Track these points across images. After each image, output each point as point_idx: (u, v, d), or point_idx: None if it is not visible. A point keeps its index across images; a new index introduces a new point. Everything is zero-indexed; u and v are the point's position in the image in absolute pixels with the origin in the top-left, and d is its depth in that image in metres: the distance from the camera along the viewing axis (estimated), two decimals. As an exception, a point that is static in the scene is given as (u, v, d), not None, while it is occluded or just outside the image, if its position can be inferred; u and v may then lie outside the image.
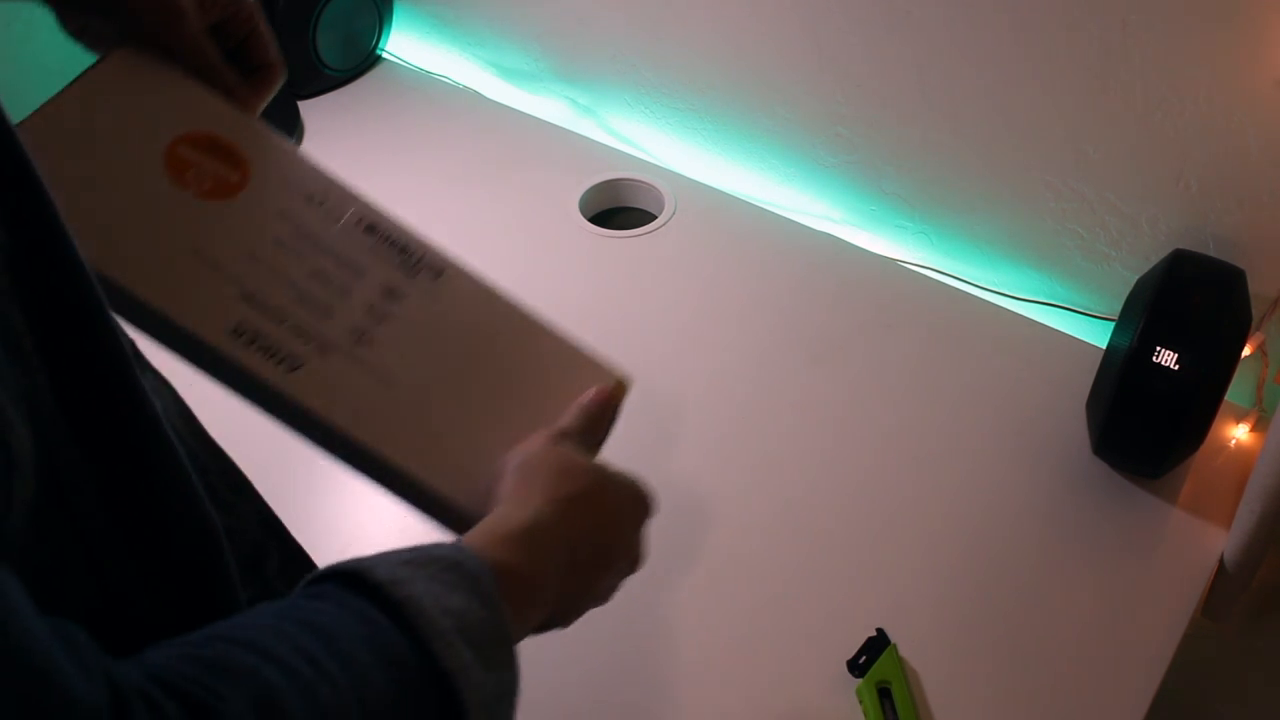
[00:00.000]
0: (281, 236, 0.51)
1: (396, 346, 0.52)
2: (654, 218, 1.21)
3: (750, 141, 1.24)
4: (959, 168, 1.09)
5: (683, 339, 1.06)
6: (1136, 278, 0.94)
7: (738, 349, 1.07)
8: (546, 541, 0.45)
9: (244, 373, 0.48)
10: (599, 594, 0.51)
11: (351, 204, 0.54)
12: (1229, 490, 0.92)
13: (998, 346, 1.06)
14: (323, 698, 0.32)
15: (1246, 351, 0.92)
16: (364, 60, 1.43)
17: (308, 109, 1.35)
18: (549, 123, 1.36)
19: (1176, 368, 0.82)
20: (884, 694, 0.77)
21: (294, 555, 0.56)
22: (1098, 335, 1.06)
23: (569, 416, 0.54)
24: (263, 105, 0.55)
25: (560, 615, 0.48)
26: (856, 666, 0.79)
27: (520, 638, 0.42)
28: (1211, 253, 0.94)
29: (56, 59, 1.22)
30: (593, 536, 0.48)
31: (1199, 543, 0.88)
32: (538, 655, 0.80)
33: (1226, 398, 0.87)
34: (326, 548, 0.55)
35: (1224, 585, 0.89)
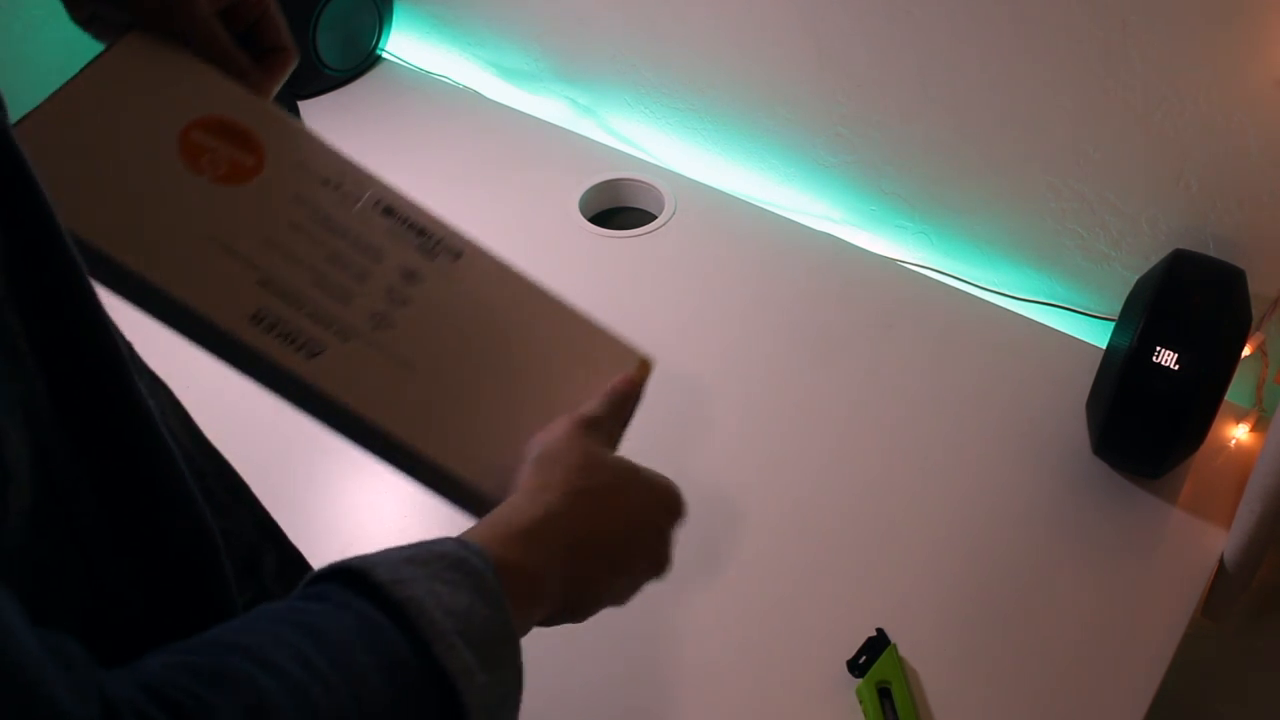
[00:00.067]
0: (298, 220, 0.50)
1: (417, 330, 0.51)
2: (654, 218, 1.21)
3: (750, 141, 1.24)
4: (959, 168, 1.09)
5: (682, 339, 1.06)
6: (1136, 278, 0.94)
7: (737, 349, 1.07)
8: (555, 538, 0.45)
9: (264, 360, 0.48)
10: (615, 594, 0.50)
11: (368, 186, 0.54)
12: (1229, 490, 0.92)
13: (998, 347, 1.06)
14: (319, 705, 0.32)
15: (1246, 351, 0.92)
16: (364, 60, 1.43)
17: (308, 109, 1.35)
18: (549, 123, 1.36)
19: (1176, 368, 0.82)
20: (884, 694, 0.77)
21: (290, 558, 0.56)
22: (1098, 335, 1.06)
23: (595, 403, 0.53)
24: (276, 88, 0.55)
25: (569, 612, 0.47)
26: (856, 666, 0.79)
27: (524, 633, 0.42)
28: (1211, 253, 0.94)
29: (57, 58, 1.22)
30: (607, 534, 0.48)
31: (1199, 543, 0.88)
32: (537, 652, 0.80)
33: (1226, 398, 0.87)
34: (324, 550, 0.55)
35: (1224, 585, 0.89)
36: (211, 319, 0.47)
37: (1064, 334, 1.08)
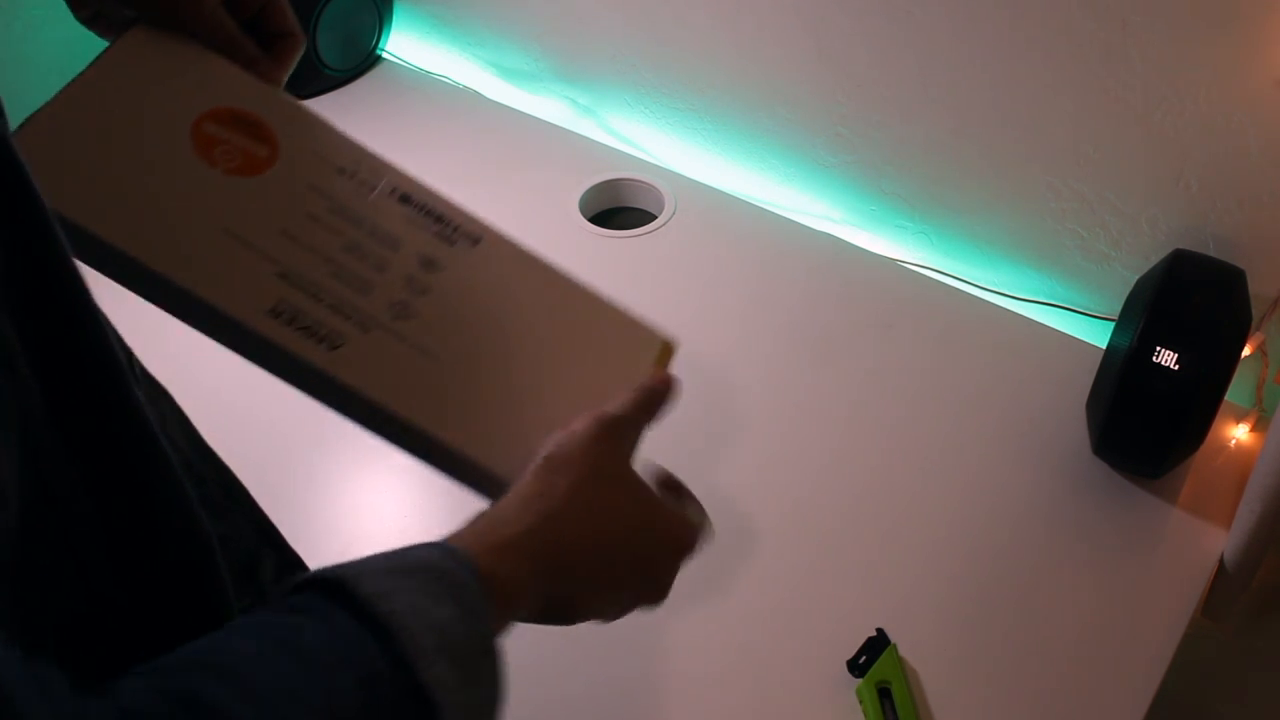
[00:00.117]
0: (315, 211, 0.50)
1: (438, 318, 0.50)
2: (654, 218, 1.21)
3: (750, 141, 1.24)
4: (959, 168, 1.09)
5: (682, 339, 1.06)
6: (1136, 278, 0.94)
7: (737, 349, 1.07)
8: (545, 553, 0.44)
9: (284, 354, 0.47)
10: (599, 613, 0.48)
11: (384, 174, 0.53)
12: (1229, 490, 0.92)
13: (998, 347, 1.06)
14: None
15: (1246, 351, 0.92)
16: (364, 60, 1.43)
17: (308, 109, 1.34)
18: (549, 123, 1.36)
19: (1176, 368, 0.82)
20: (884, 694, 0.77)
21: (290, 562, 0.56)
22: (1098, 335, 1.06)
23: (620, 402, 0.50)
24: (286, 76, 0.54)
25: (547, 619, 0.46)
26: (856, 666, 0.79)
27: (502, 634, 0.41)
28: (1211, 253, 0.94)
29: (57, 58, 1.22)
30: (601, 557, 0.46)
31: (1199, 543, 0.88)
32: (536, 651, 0.80)
33: (1226, 398, 0.87)
34: (324, 550, 0.55)
35: (1224, 585, 0.89)
36: (230, 314, 0.46)
37: (1064, 334, 1.08)
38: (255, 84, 0.51)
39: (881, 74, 1.08)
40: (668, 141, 1.31)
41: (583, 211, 1.21)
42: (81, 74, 0.48)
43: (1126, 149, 0.97)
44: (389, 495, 0.92)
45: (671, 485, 0.54)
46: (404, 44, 1.48)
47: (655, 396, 0.51)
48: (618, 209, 1.26)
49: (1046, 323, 1.09)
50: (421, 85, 1.43)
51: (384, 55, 1.46)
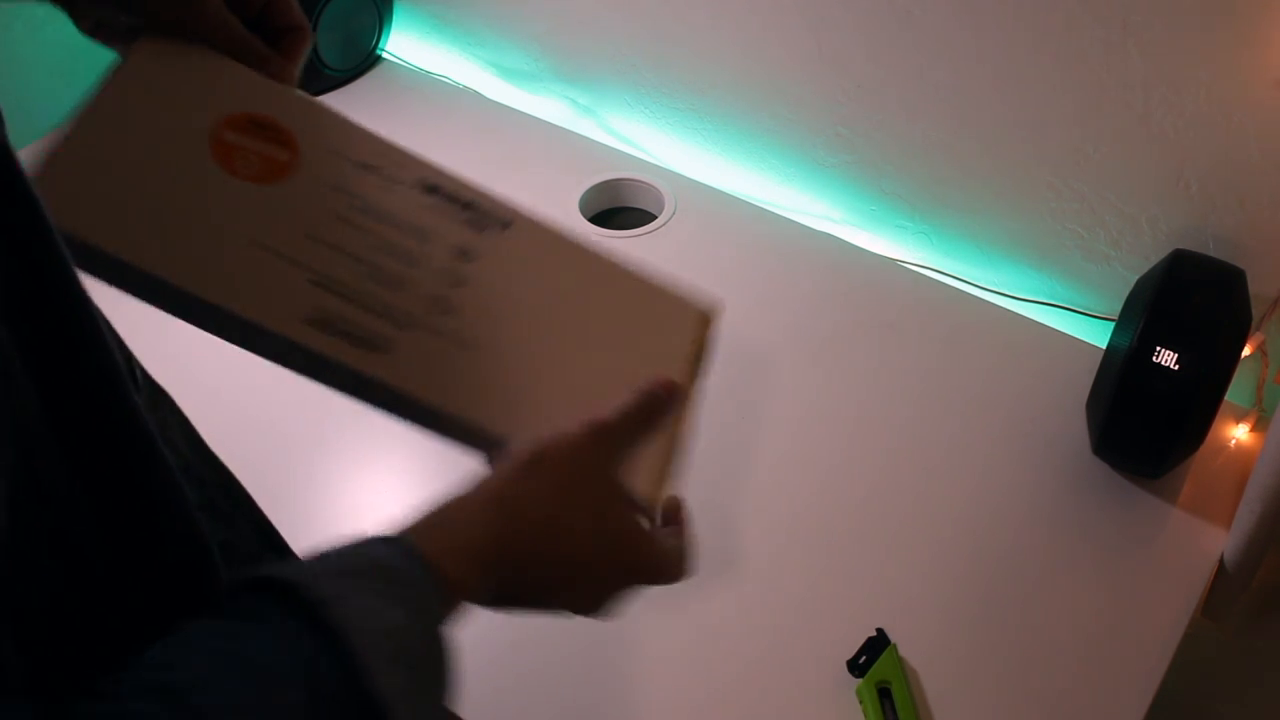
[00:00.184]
0: (342, 211, 0.49)
1: (477, 309, 0.50)
2: (654, 218, 1.21)
3: (750, 141, 1.24)
4: (959, 168, 1.09)
5: (683, 339, 1.06)
6: (1136, 278, 0.94)
7: (736, 349, 1.07)
8: (506, 562, 0.43)
9: (326, 361, 0.46)
10: (540, 609, 0.47)
11: (407, 165, 0.52)
12: (1229, 490, 0.92)
13: (998, 346, 1.06)
14: None
15: (1246, 351, 0.92)
16: (364, 60, 1.43)
17: (308, 109, 1.34)
18: (549, 123, 1.36)
19: (1176, 368, 0.82)
20: (884, 694, 0.77)
21: None
22: (1098, 335, 1.06)
23: (615, 407, 0.48)
24: (297, 72, 0.53)
25: (490, 607, 0.45)
26: (856, 666, 0.79)
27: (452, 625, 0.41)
28: (1211, 253, 0.94)
29: (58, 58, 1.22)
30: (560, 562, 0.45)
31: (1199, 543, 0.88)
32: (535, 649, 0.80)
33: (1226, 398, 0.87)
34: (326, 548, 0.55)
35: (1224, 585, 0.89)
36: (268, 327, 0.45)
37: (1064, 334, 1.08)
38: (269, 85, 0.50)
39: (881, 74, 1.08)
40: (668, 141, 1.31)
41: (583, 211, 1.21)
42: (91, 98, 0.47)
43: (1126, 149, 0.97)
44: (390, 496, 0.92)
45: (673, 516, 0.52)
46: (404, 44, 1.48)
47: (654, 403, 0.49)
48: (618, 209, 1.26)
49: (1046, 323, 1.09)
50: (421, 85, 1.43)
51: (384, 55, 1.46)
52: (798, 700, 0.78)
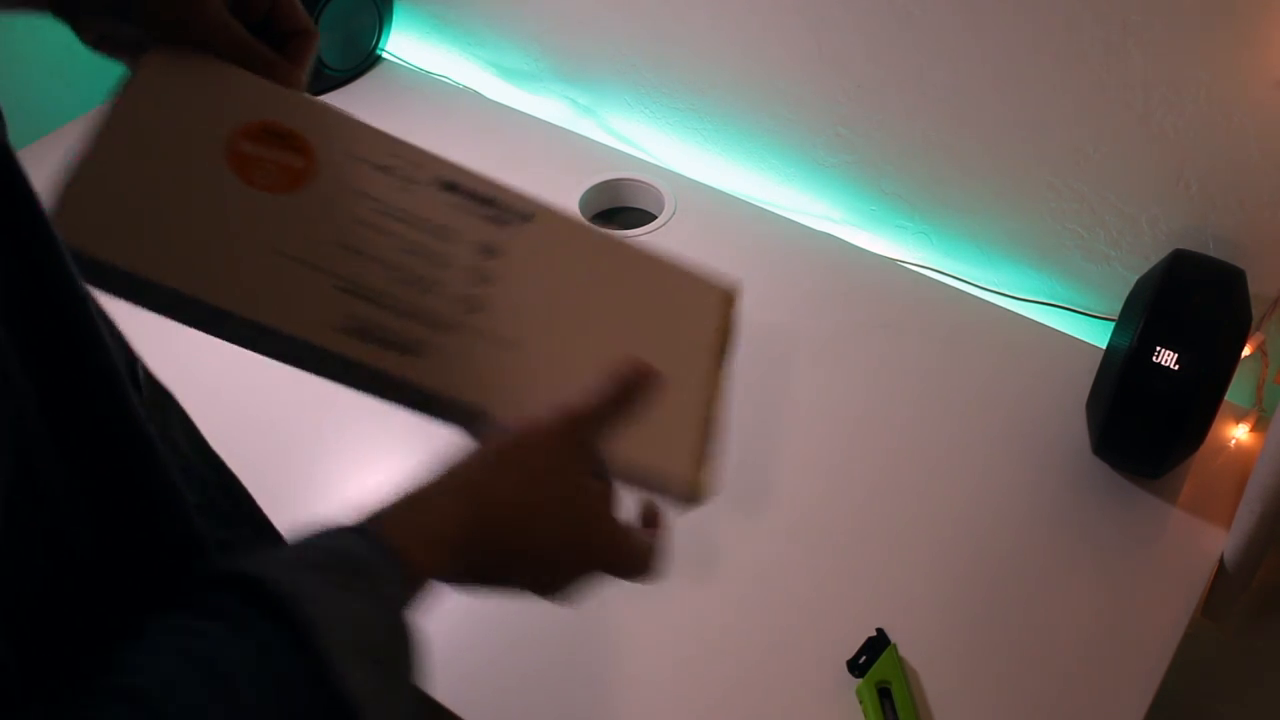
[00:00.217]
0: (364, 216, 0.48)
1: (508, 305, 0.49)
2: (654, 218, 1.21)
3: (750, 141, 1.24)
4: (959, 168, 1.09)
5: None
6: (1136, 278, 0.94)
7: (736, 348, 1.07)
8: (473, 552, 0.43)
9: (362, 368, 0.46)
10: (499, 591, 0.47)
11: (423, 164, 0.52)
12: (1229, 490, 0.92)
13: (998, 347, 1.06)
14: None
15: (1246, 351, 0.92)
16: (364, 60, 1.43)
17: (308, 109, 1.34)
18: (549, 123, 1.36)
19: (1176, 368, 0.82)
20: (884, 694, 0.77)
21: None
22: (1098, 335, 1.06)
23: (588, 394, 0.48)
24: (305, 75, 0.52)
25: (451, 585, 0.45)
26: (856, 666, 0.79)
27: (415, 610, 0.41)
28: (1211, 253, 0.94)
29: (59, 58, 1.22)
30: (526, 550, 0.45)
31: (1199, 543, 0.88)
32: (534, 649, 0.80)
33: (1226, 398, 0.87)
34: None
35: (1224, 585, 0.89)
36: (303, 338, 0.45)
37: (1064, 334, 1.08)
38: (278, 91, 0.50)
39: (881, 74, 1.08)
40: (668, 141, 1.31)
41: (583, 211, 1.21)
42: (105, 118, 0.46)
43: (1126, 149, 0.97)
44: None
45: (653, 520, 0.52)
46: (404, 44, 1.48)
47: (629, 386, 0.49)
48: (618, 209, 1.26)
49: (1046, 323, 1.09)
50: (421, 85, 1.43)
51: (384, 55, 1.46)
52: (798, 700, 0.78)
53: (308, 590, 0.35)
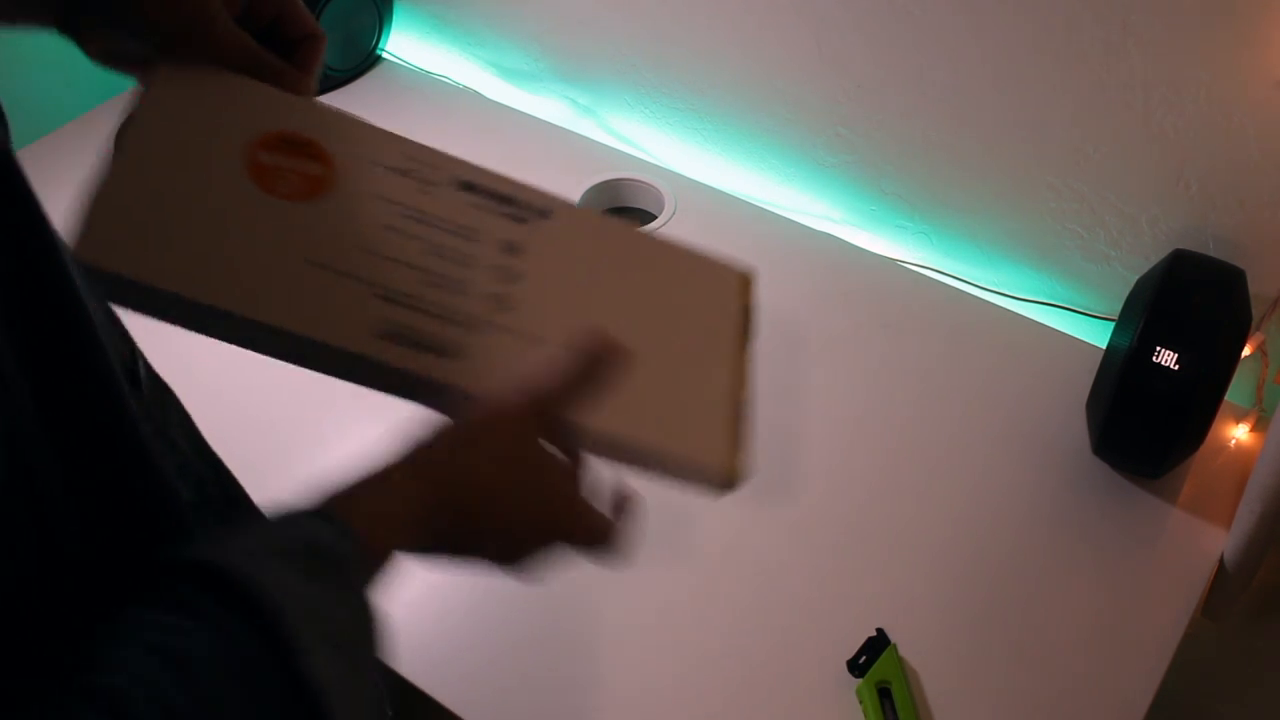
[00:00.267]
0: (388, 220, 0.48)
1: (535, 301, 0.50)
2: (654, 218, 1.21)
3: (750, 141, 1.24)
4: (959, 168, 1.09)
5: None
6: (1136, 278, 0.94)
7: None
8: (437, 530, 0.43)
9: (399, 373, 0.46)
10: (464, 561, 0.47)
11: (440, 165, 0.52)
12: (1229, 490, 0.92)
13: (997, 346, 1.06)
14: None
15: (1246, 351, 0.92)
16: (364, 60, 1.43)
17: (308, 109, 1.34)
18: (549, 123, 1.36)
19: (1176, 368, 0.82)
20: (884, 694, 0.77)
21: None
22: (1098, 335, 1.06)
23: (552, 373, 0.48)
24: (315, 82, 0.52)
25: (417, 559, 0.45)
26: (856, 666, 0.79)
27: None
28: (1211, 253, 0.94)
29: (58, 59, 1.22)
30: (486, 524, 0.45)
31: (1199, 543, 0.88)
32: (534, 648, 0.80)
33: (1226, 398, 0.87)
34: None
35: (1224, 585, 0.89)
36: (340, 346, 0.45)
37: (1064, 334, 1.08)
38: (291, 100, 0.50)
39: (881, 74, 1.08)
40: (668, 141, 1.31)
41: (583, 211, 1.21)
42: (121, 137, 0.46)
43: (1126, 149, 0.97)
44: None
45: (622, 505, 0.52)
46: (404, 44, 1.48)
47: (593, 360, 0.49)
48: (618, 209, 1.26)
49: (1046, 323, 1.09)
50: (421, 85, 1.43)
51: (384, 55, 1.46)
52: (798, 700, 0.78)
53: (273, 578, 0.35)
